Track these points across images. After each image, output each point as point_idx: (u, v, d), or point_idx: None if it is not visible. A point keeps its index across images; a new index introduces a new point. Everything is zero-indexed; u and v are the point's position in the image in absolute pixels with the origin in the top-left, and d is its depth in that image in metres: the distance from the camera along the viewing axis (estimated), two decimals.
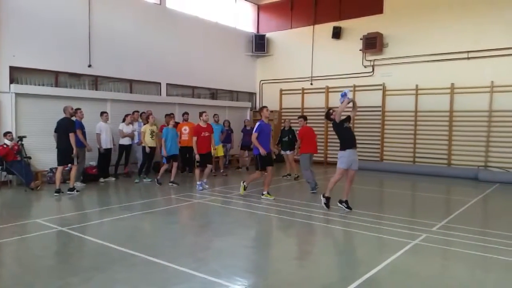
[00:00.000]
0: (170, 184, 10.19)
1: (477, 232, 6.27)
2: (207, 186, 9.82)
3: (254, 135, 8.47)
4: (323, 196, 7.63)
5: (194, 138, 9.49)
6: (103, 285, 4.11)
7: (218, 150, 11.97)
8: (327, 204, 7.53)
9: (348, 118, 7.68)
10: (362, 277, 4.32)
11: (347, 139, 7.47)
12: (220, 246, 5.55)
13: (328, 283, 4.27)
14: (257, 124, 8.62)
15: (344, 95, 7.50)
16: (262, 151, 8.36)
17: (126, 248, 5.19)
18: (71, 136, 8.86)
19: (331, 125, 15.37)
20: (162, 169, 10.57)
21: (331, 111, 7.92)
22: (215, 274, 4.37)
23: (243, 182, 9.01)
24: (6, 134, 9.52)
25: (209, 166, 9.86)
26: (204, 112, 9.84)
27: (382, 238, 5.98)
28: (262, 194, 8.69)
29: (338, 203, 7.62)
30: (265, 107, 8.81)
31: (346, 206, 7.52)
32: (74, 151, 8.93)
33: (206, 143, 9.62)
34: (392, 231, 6.26)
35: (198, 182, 9.72)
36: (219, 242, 5.76)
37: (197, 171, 9.76)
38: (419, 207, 8.89)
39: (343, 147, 7.44)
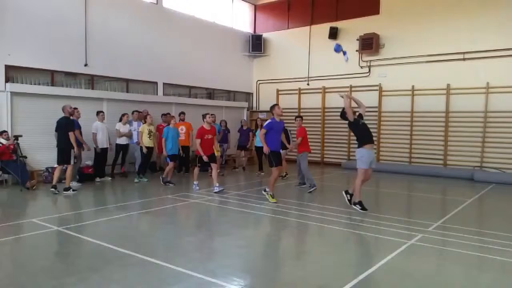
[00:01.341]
0: (167, 183, 10.16)
1: (472, 232, 6.30)
2: (222, 187, 9.30)
3: (262, 131, 8.20)
4: (355, 204, 7.43)
5: (198, 141, 9.25)
6: (99, 285, 4.10)
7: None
8: (363, 208, 7.33)
9: (361, 115, 7.58)
10: (358, 277, 4.33)
11: (364, 135, 7.39)
12: (216, 246, 5.55)
13: (324, 283, 4.27)
14: (267, 121, 8.35)
15: (340, 50, 7.45)
16: (266, 148, 8.10)
17: (122, 248, 5.18)
18: (71, 135, 8.90)
19: (329, 126, 15.44)
20: (167, 168, 10.39)
21: (345, 110, 7.73)
22: (212, 274, 4.37)
23: (264, 191, 8.47)
24: (1, 133, 9.48)
25: (215, 166, 9.47)
26: (208, 113, 9.60)
27: (378, 238, 6.00)
28: (264, 190, 8.53)
29: (343, 192, 7.74)
30: (277, 104, 8.50)
31: (349, 198, 7.59)
32: (76, 150, 9.03)
33: (209, 145, 9.42)
34: (388, 231, 6.27)
35: (195, 182, 9.69)
36: (216, 242, 5.76)
37: (196, 170, 9.70)
38: (415, 207, 8.91)
39: (361, 144, 7.36)
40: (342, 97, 7.70)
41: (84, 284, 4.11)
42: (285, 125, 11.80)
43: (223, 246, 5.53)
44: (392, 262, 4.89)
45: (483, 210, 8.78)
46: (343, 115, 7.68)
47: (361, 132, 7.44)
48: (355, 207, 7.41)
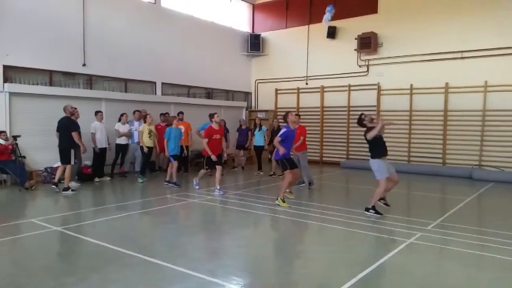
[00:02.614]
0: (166, 183, 10.15)
1: (471, 231, 6.31)
2: (222, 192, 9.09)
3: (277, 139, 7.95)
4: (368, 210, 7.19)
5: (205, 140, 9.08)
6: (98, 285, 4.10)
7: None
8: (377, 213, 7.13)
9: None
10: (357, 275, 4.34)
11: (381, 147, 7.24)
12: (216, 246, 5.55)
13: (323, 282, 4.28)
14: (283, 130, 8.05)
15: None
16: (282, 151, 7.91)
17: (121, 248, 5.18)
18: (74, 135, 8.99)
19: (327, 125, 15.36)
20: (173, 169, 10.14)
21: (362, 116, 7.57)
22: (212, 274, 4.37)
23: (279, 199, 8.03)
24: (0, 133, 9.44)
25: (219, 168, 9.31)
26: (216, 113, 9.37)
27: (377, 237, 6.01)
28: (276, 199, 8.16)
29: (378, 201, 7.55)
30: (290, 112, 8.32)
31: (384, 202, 7.53)
32: (82, 148, 9.27)
33: (217, 145, 9.20)
34: (387, 229, 6.29)
35: (197, 180, 9.60)
36: (216, 241, 5.77)
37: (202, 171, 9.55)
38: (414, 206, 8.93)
39: (376, 155, 7.19)
40: (389, 124, 7.35)
41: (84, 284, 4.11)
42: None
43: (223, 246, 5.54)
44: (391, 261, 4.90)
45: (482, 208, 8.80)
46: (361, 121, 7.54)
47: (378, 143, 7.27)
48: (367, 213, 7.19)
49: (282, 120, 8.88)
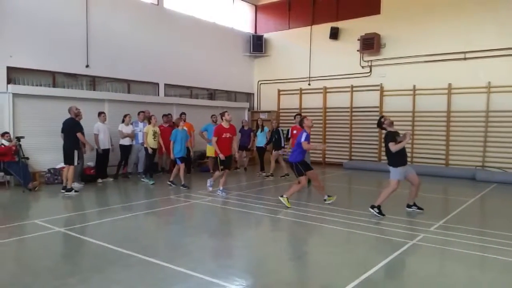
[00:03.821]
0: (169, 184, 10.16)
1: (474, 232, 6.29)
2: (224, 193, 9.06)
3: (305, 142, 7.87)
4: (373, 207, 7.19)
5: (214, 139, 8.98)
6: (100, 286, 4.11)
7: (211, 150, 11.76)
8: (380, 213, 7.12)
9: (398, 134, 7.37)
10: (360, 277, 4.33)
11: (402, 157, 7.19)
12: (217, 246, 5.56)
13: (326, 283, 4.27)
14: (305, 134, 7.97)
15: None
16: (323, 146, 7.96)
17: (123, 248, 5.19)
18: (80, 136, 9.10)
19: (330, 126, 15.34)
20: (180, 171, 10.09)
21: (382, 119, 7.57)
22: (213, 274, 4.38)
23: (284, 196, 8.02)
24: (3, 134, 9.48)
25: (226, 171, 9.21)
26: (226, 111, 9.26)
27: (380, 238, 6.00)
28: (325, 198, 8.28)
29: (406, 208, 7.65)
30: (306, 117, 8.38)
31: (417, 208, 7.58)
32: (88, 147, 9.51)
33: (227, 145, 9.06)
34: (390, 231, 6.28)
35: (211, 182, 9.51)
36: (217, 242, 5.78)
37: (217, 173, 9.43)
38: None
39: (396, 164, 7.14)
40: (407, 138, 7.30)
41: (87, 284, 4.12)
42: (283, 125, 11.92)
43: (224, 246, 5.55)
44: (394, 262, 4.89)
45: (485, 210, 8.77)
46: (380, 124, 7.53)
47: (400, 153, 7.19)
48: (372, 210, 7.17)
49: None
